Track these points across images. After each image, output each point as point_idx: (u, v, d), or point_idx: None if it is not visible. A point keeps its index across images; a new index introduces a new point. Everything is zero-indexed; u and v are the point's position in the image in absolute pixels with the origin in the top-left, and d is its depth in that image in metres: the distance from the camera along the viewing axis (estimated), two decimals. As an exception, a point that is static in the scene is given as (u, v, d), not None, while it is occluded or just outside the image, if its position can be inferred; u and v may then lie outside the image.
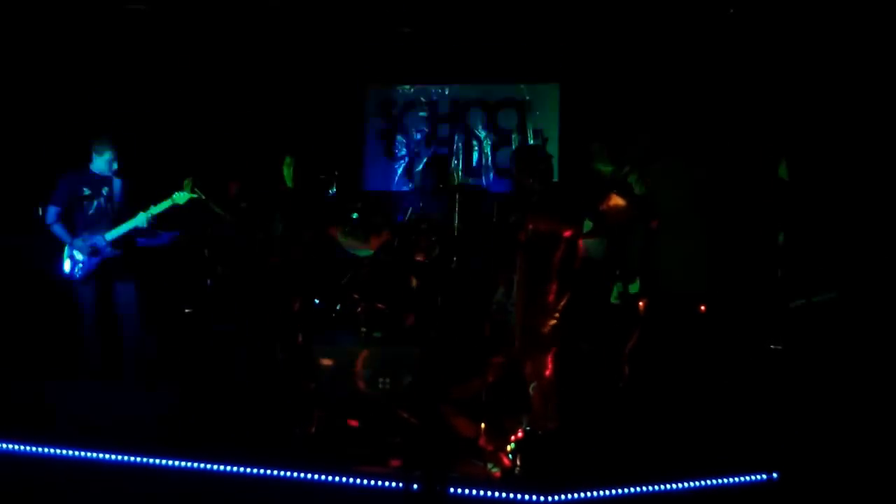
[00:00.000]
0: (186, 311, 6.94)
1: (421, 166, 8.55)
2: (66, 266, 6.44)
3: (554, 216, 5.63)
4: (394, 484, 4.78)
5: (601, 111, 7.85)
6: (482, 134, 8.62)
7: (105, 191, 6.47)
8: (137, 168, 6.74)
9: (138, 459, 5.25)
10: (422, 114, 8.72)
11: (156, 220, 6.47)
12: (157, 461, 5.23)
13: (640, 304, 6.27)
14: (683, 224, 6.60)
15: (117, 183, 6.53)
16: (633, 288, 6.66)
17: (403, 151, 8.73)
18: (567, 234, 5.57)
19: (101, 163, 6.47)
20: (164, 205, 6.44)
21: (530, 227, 5.65)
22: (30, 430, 5.55)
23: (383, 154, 8.76)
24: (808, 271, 6.17)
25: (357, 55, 8.27)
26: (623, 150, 6.25)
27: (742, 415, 5.60)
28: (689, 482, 5.05)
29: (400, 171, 8.71)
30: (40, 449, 5.41)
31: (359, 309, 7.22)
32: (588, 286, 6.01)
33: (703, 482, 5.07)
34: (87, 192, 6.44)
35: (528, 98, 8.57)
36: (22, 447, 5.43)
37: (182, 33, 7.81)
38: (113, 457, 5.29)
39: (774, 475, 5.12)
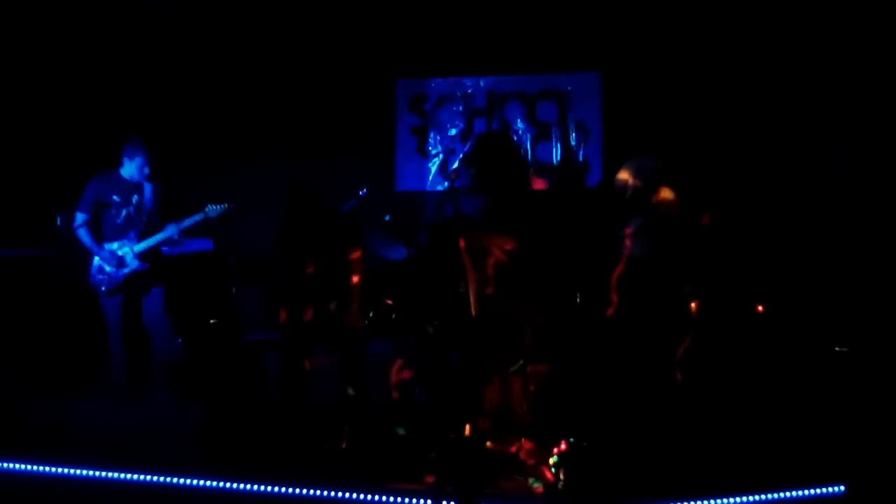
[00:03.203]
0: (211, 321, 6.95)
1: (457, 163, 8.49)
2: (93, 276, 6.45)
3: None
4: (427, 501, 4.72)
5: (646, 101, 7.73)
6: (521, 128, 8.54)
7: (135, 198, 6.46)
8: (166, 174, 6.76)
9: (163, 479, 5.23)
10: (456, 108, 8.64)
11: (186, 233, 6.47)
12: (183, 480, 5.19)
13: (693, 305, 6.15)
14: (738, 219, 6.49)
15: (148, 189, 6.50)
16: (685, 288, 6.54)
17: (438, 148, 8.66)
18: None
19: (133, 168, 6.44)
20: (196, 218, 6.43)
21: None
22: (51, 450, 5.55)
23: (416, 152, 8.71)
24: (872, 268, 5.99)
25: (387, 47, 8.23)
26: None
27: (806, 423, 5.46)
28: (749, 496, 4.93)
29: (434, 169, 8.65)
30: (63, 470, 5.38)
31: (393, 315, 7.20)
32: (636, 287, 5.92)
33: (765, 496, 4.94)
34: (116, 199, 6.42)
35: (569, 88, 8.46)
36: (43, 468, 5.40)
37: (203, 29, 7.85)
38: (137, 477, 5.27)
39: (843, 487, 4.97)
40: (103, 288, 6.44)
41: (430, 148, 8.69)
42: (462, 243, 5.49)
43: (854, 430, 5.35)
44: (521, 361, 5.43)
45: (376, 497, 4.85)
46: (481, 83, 8.62)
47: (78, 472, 5.36)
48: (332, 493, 4.95)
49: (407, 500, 4.81)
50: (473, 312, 5.39)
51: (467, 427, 5.16)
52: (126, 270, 6.42)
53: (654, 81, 7.78)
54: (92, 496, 5.26)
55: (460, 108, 8.65)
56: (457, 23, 8.00)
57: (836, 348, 5.97)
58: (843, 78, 7.09)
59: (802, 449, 5.28)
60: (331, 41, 8.15)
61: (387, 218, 7.45)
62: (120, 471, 5.30)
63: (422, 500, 4.77)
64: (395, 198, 7.90)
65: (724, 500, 4.90)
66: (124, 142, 6.49)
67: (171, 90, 7.88)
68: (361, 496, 4.88)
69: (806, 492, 4.99)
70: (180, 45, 7.89)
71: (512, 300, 5.40)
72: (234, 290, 7.10)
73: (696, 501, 4.87)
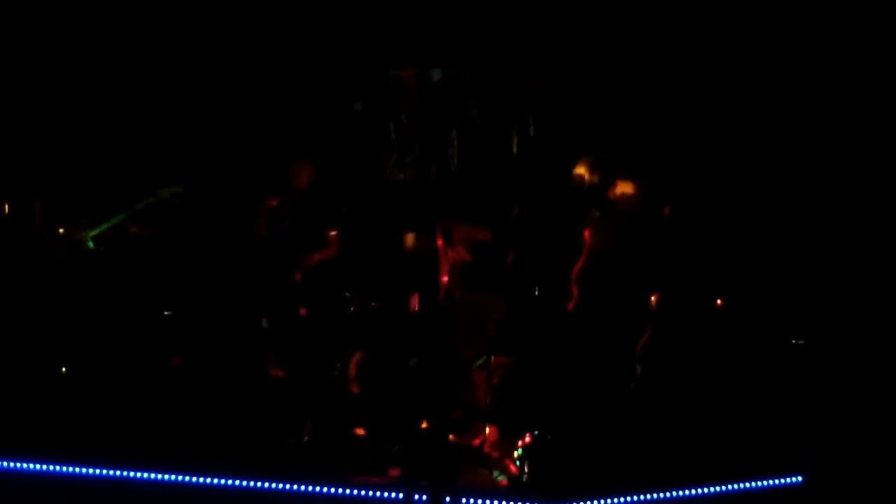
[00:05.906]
0: (166, 313, 6.95)
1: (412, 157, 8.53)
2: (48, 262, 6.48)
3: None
4: (396, 494, 4.75)
5: (603, 96, 7.79)
6: (476, 120, 8.58)
7: (92, 185, 6.56)
8: (121, 162, 6.85)
9: (120, 473, 5.19)
10: (412, 99, 8.65)
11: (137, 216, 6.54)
12: (141, 475, 5.17)
13: (652, 298, 6.24)
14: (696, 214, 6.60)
15: (103, 177, 6.63)
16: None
17: (394, 139, 8.67)
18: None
19: (88, 153, 6.64)
20: (147, 202, 6.53)
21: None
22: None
23: (372, 142, 8.70)
24: (828, 264, 6.14)
25: (344, 39, 8.21)
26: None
27: (764, 414, 5.58)
28: (709, 487, 5.05)
29: (391, 160, 8.65)
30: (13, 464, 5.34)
31: (351, 308, 7.22)
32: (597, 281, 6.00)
33: (724, 487, 5.07)
34: (73, 186, 6.53)
35: (521, 83, 8.51)
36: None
37: (166, 18, 7.78)
38: (94, 471, 5.22)
39: (801, 478, 5.11)
40: (60, 272, 6.45)
41: (386, 139, 8.69)
42: (440, 240, 5.56)
43: (811, 421, 5.48)
44: (485, 356, 5.51)
45: (344, 491, 4.87)
46: (437, 76, 8.64)
47: (30, 466, 5.31)
48: (296, 487, 4.97)
49: (378, 493, 4.83)
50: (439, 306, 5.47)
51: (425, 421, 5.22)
52: (81, 256, 6.47)
53: (610, 75, 7.86)
54: (43, 492, 5.22)
55: (416, 100, 8.67)
56: (413, 16, 8.01)
57: (794, 341, 6.10)
58: (798, 70, 7.23)
59: (761, 440, 5.40)
60: (287, 32, 8.11)
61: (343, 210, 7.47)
62: (76, 465, 5.25)
63: (393, 494, 4.79)
64: (350, 189, 7.88)
65: (685, 492, 5.01)
66: (79, 127, 6.65)
67: (130, 76, 7.80)
68: (329, 490, 4.90)
69: (765, 482, 5.13)
70: (139, 29, 7.81)
71: (476, 294, 5.48)
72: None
73: (657, 493, 4.97)
